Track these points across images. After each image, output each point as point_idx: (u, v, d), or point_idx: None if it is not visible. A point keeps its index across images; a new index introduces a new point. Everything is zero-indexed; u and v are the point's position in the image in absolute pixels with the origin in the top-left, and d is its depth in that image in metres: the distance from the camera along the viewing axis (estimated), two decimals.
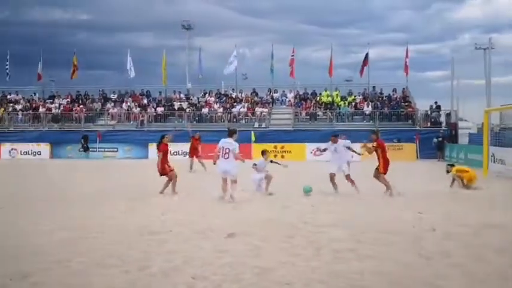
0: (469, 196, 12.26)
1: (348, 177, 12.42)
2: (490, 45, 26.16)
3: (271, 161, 12.99)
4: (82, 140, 30.74)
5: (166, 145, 12.78)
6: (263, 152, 12.97)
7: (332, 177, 12.37)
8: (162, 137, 12.96)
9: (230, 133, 11.08)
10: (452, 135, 28.98)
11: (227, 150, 10.73)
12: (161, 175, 12.48)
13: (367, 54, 34.27)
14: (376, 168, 12.35)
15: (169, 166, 12.52)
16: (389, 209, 9.99)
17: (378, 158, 12.33)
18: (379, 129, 29.35)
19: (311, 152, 27.50)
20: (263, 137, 29.15)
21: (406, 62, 33.63)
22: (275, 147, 27.40)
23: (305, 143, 28.38)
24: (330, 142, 12.82)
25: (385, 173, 12.30)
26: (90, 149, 30.59)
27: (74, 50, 37.60)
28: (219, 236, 7.47)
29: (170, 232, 7.75)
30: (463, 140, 29.28)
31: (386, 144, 12.73)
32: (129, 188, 13.59)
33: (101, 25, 75.24)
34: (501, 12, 72.23)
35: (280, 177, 13.04)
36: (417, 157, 27.84)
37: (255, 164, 12.85)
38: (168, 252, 6.47)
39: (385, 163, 12.27)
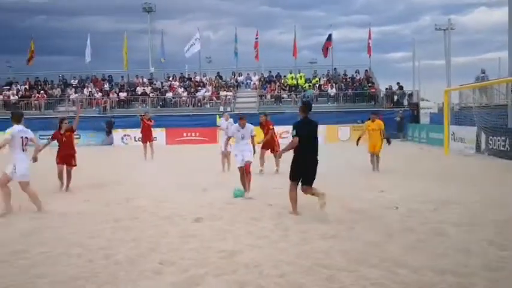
0: (428, 173, 12.60)
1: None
2: (449, 26, 26.66)
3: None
4: (105, 126, 29.67)
5: (61, 134, 10.62)
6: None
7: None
8: (61, 121, 10.69)
9: (16, 118, 8.10)
10: (414, 115, 29.58)
11: (26, 141, 8.02)
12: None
13: (330, 35, 34.51)
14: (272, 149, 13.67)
15: (71, 160, 10.64)
16: (351, 188, 10.13)
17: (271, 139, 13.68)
18: (341, 110, 30.01)
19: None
20: None
21: (369, 44, 34.11)
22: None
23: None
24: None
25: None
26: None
27: (31, 35, 36.26)
28: (185, 221, 7.43)
29: (135, 219, 7.66)
30: (425, 119, 29.98)
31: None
32: (88, 175, 12.75)
33: (58, 8, 72.51)
34: None
35: None
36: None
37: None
38: (133, 239, 6.39)
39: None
